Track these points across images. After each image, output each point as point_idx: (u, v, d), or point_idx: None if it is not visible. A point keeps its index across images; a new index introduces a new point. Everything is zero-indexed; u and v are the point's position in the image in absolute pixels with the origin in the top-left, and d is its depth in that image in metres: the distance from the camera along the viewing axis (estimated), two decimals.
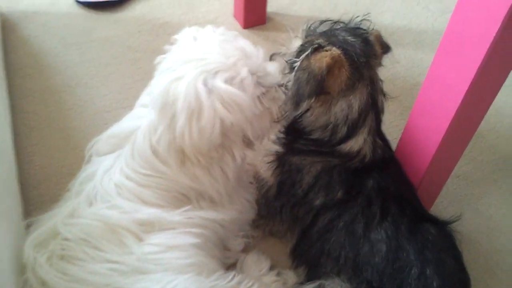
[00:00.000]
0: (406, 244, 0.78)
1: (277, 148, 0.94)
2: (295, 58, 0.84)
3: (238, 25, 1.53)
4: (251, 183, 0.99)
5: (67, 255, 0.71)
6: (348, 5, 1.63)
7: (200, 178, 0.81)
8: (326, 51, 0.80)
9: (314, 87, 0.80)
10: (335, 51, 0.80)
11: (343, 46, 0.81)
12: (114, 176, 0.80)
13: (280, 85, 0.85)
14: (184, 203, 0.82)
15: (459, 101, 0.77)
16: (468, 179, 1.18)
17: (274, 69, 0.84)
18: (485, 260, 1.03)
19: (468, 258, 1.01)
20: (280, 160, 0.93)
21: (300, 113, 0.85)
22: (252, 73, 0.78)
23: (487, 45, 0.68)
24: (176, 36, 0.85)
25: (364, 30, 0.89)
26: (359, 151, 0.86)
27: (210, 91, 0.73)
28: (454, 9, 0.73)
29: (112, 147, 0.85)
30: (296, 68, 0.82)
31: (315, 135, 0.88)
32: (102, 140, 0.87)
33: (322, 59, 0.79)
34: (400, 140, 0.95)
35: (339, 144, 0.86)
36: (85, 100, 1.27)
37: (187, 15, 1.55)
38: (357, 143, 0.86)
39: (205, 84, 0.73)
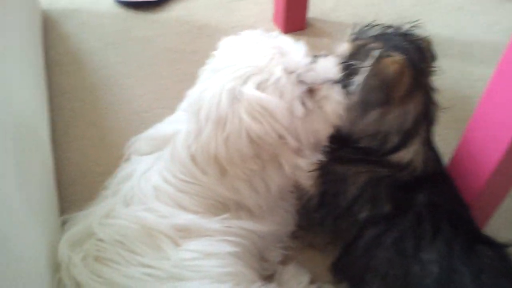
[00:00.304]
0: (461, 266, 0.73)
1: (318, 156, 0.90)
2: (349, 61, 0.80)
3: (277, 30, 1.50)
4: (291, 192, 0.94)
5: (102, 256, 0.69)
6: (390, 14, 1.58)
7: (239, 190, 0.77)
8: (391, 56, 0.75)
9: (386, 94, 0.75)
10: (399, 56, 0.75)
11: (404, 52, 0.76)
12: (152, 178, 0.78)
13: (335, 82, 0.78)
14: (222, 211, 0.78)
15: None
16: None
17: (325, 65, 0.78)
18: None
19: None
20: (323, 169, 0.88)
21: (368, 121, 0.80)
22: (290, 71, 0.72)
23: None
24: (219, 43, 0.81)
25: (417, 36, 0.85)
26: (410, 163, 0.82)
27: (236, 99, 0.69)
28: None
29: (152, 148, 0.83)
30: (363, 73, 0.77)
31: (363, 143, 0.83)
32: (142, 140, 0.85)
33: (392, 65, 0.75)
34: (455, 154, 0.90)
35: (389, 154, 0.82)
36: (121, 100, 1.26)
37: (225, 18, 1.53)
38: (408, 153, 0.81)
39: (232, 92, 0.69)
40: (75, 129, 1.18)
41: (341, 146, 0.86)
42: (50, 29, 1.44)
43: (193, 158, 0.76)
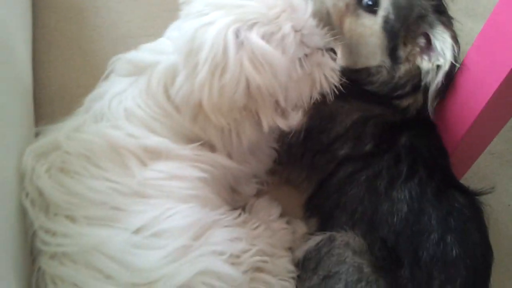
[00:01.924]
0: (430, 208, 0.73)
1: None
2: None
3: None
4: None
5: (67, 168, 0.68)
6: None
7: (211, 136, 0.74)
8: None
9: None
10: None
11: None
12: (124, 101, 0.74)
13: (329, 49, 0.75)
14: (195, 142, 0.75)
15: (506, 72, 0.69)
16: (502, 158, 1.10)
17: (320, 30, 0.74)
18: (509, 243, 0.97)
19: (491, 238, 0.95)
20: (316, 103, 0.85)
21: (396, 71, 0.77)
22: (297, 30, 0.68)
23: None
24: None
25: None
26: (407, 107, 0.81)
27: (240, 44, 0.64)
28: None
29: (129, 72, 0.79)
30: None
31: (374, 87, 0.81)
32: (122, 61, 0.81)
33: None
34: (438, 105, 0.87)
35: (395, 99, 0.81)
36: (109, 23, 1.21)
37: None
38: (410, 100, 0.81)
39: (237, 35, 0.64)
40: (57, 49, 1.14)
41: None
42: None
43: (167, 96, 0.72)
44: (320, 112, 0.83)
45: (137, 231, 0.62)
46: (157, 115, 0.73)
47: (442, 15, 0.78)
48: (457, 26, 1.33)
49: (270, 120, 0.71)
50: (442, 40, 0.75)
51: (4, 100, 0.78)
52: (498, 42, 0.70)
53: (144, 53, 0.80)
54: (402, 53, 0.78)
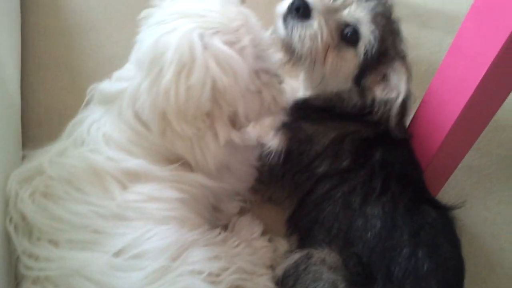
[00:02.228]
0: (402, 223, 0.75)
1: (284, 119, 0.90)
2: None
3: None
4: (255, 147, 0.95)
5: (49, 192, 0.70)
6: None
7: (181, 152, 0.75)
8: None
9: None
10: None
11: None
12: (103, 127, 0.76)
13: (277, 75, 0.78)
14: (174, 163, 0.77)
15: (475, 84, 0.72)
16: (481, 172, 1.13)
17: (275, 55, 0.78)
18: (486, 256, 0.99)
19: (469, 251, 0.98)
20: (290, 127, 0.89)
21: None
22: (254, 45, 0.71)
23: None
24: None
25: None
26: (378, 120, 0.84)
27: (205, 46, 0.66)
28: None
29: (102, 101, 0.81)
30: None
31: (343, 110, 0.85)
32: (96, 91, 0.83)
33: None
34: (413, 119, 0.91)
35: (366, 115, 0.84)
36: (96, 45, 1.24)
37: None
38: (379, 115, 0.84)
39: (201, 39, 0.66)
40: (46, 71, 1.17)
41: (313, 109, 0.87)
42: None
43: (137, 116, 0.74)
44: (297, 135, 0.86)
45: (117, 253, 0.64)
46: (132, 137, 0.75)
47: (400, 50, 0.83)
48: (435, 41, 1.38)
49: (225, 132, 0.73)
50: (398, 74, 0.81)
51: None
52: (466, 54, 0.74)
53: (112, 83, 0.81)
54: (365, 81, 0.82)
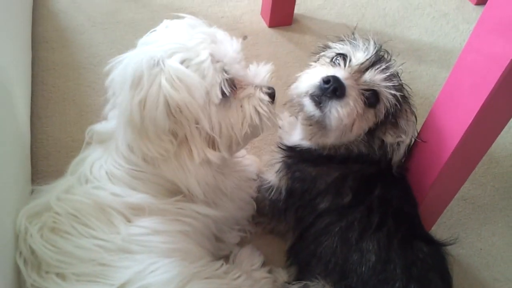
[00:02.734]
0: (395, 258, 0.78)
1: (284, 159, 0.93)
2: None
3: (263, 23, 1.54)
4: (254, 180, 0.98)
5: (57, 228, 0.72)
6: (376, 16, 1.62)
7: (171, 177, 0.77)
8: None
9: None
10: None
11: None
12: (105, 165, 0.79)
13: (265, 87, 0.81)
14: (175, 195, 0.80)
15: (469, 121, 0.76)
16: (475, 203, 1.16)
17: (258, 70, 0.81)
18: (481, 286, 1.01)
19: (463, 283, 1.00)
20: (290, 168, 0.91)
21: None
22: (217, 59, 0.74)
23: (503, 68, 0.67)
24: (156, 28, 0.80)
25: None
26: (380, 158, 0.87)
27: (157, 66, 0.69)
28: (473, 29, 0.73)
29: (100, 141, 0.85)
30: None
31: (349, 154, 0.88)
32: (95, 130, 0.86)
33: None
34: (409, 153, 0.94)
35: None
36: (104, 80, 1.28)
37: (215, 8, 1.56)
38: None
39: (154, 59, 0.70)
40: (55, 105, 1.22)
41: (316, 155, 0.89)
42: (39, 5, 1.47)
43: (130, 148, 0.77)
44: (301, 176, 0.89)
45: (122, 286, 0.66)
46: (132, 172, 0.78)
47: (406, 96, 0.87)
48: (430, 75, 1.43)
49: (200, 150, 0.75)
50: (407, 119, 0.85)
51: (3, 159, 0.83)
52: (461, 91, 0.78)
53: (107, 122, 0.85)
54: (379, 132, 0.85)
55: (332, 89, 0.77)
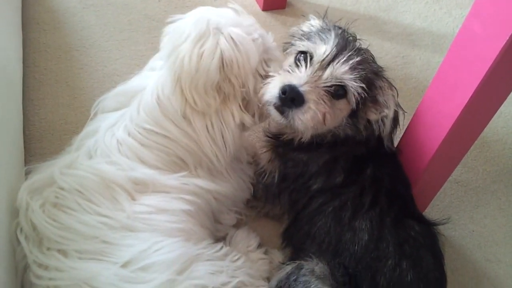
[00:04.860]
0: (388, 236, 0.79)
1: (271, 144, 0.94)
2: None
3: (257, 7, 1.53)
4: (250, 163, 0.99)
5: (60, 203, 0.72)
6: (370, 1, 1.62)
7: (200, 139, 0.81)
8: None
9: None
10: None
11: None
12: (117, 133, 0.80)
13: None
14: (181, 169, 0.82)
15: (463, 105, 0.77)
16: (467, 186, 1.17)
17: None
18: (473, 268, 1.03)
19: (457, 263, 1.02)
20: (282, 158, 0.92)
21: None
22: (263, 41, 0.83)
23: (498, 51, 0.68)
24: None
25: None
26: (367, 138, 0.87)
27: (219, 29, 0.78)
28: (470, 9, 0.73)
29: (119, 105, 0.85)
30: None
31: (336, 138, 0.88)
32: (109, 98, 0.87)
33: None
34: (402, 137, 0.95)
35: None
36: (96, 62, 1.28)
37: None
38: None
39: (216, 23, 0.78)
40: (47, 87, 1.20)
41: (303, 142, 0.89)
42: None
43: (159, 102, 0.80)
44: (293, 163, 0.90)
45: (125, 264, 0.66)
46: (149, 138, 0.80)
47: (378, 72, 0.86)
48: (424, 59, 1.44)
49: (238, 112, 0.82)
50: (384, 93, 0.84)
51: None
52: (455, 73, 0.78)
53: (131, 83, 0.87)
54: (360, 112, 0.85)
55: (289, 99, 0.77)
